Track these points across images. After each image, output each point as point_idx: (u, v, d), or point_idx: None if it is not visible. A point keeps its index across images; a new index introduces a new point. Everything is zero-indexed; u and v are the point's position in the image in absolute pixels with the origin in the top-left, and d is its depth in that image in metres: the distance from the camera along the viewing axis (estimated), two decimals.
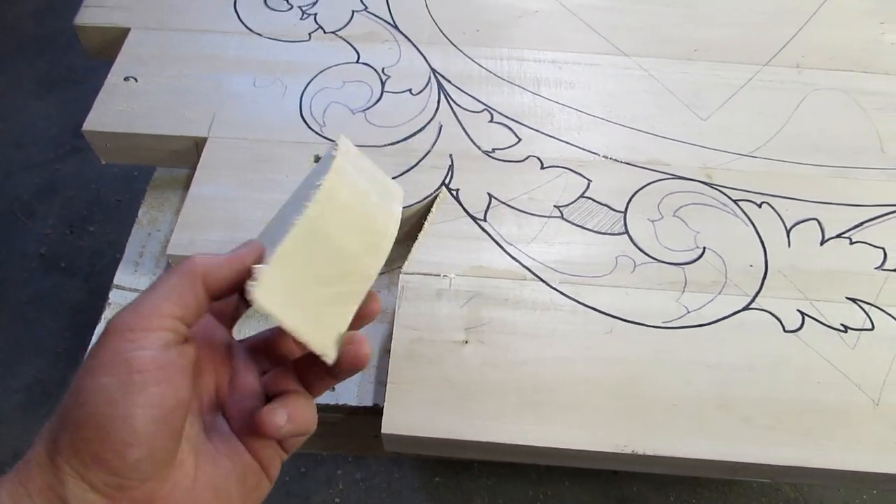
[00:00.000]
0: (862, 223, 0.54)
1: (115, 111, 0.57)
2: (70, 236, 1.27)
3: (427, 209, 0.53)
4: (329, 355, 0.31)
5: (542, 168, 0.56)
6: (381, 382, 0.48)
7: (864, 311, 0.50)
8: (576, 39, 0.65)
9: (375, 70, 0.62)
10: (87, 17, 0.64)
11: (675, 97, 0.61)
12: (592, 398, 0.45)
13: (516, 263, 0.51)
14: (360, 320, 0.34)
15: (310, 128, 0.57)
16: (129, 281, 0.54)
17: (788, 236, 0.53)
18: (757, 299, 0.50)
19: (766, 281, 0.51)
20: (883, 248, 0.53)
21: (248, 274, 0.30)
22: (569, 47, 0.65)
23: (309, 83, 0.60)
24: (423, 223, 0.52)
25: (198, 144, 0.56)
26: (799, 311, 0.49)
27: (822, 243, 0.53)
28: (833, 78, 0.63)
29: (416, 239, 0.51)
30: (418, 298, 0.49)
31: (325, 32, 0.64)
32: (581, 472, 1.05)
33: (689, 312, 0.49)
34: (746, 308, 0.49)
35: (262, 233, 0.35)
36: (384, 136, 0.57)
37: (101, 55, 0.66)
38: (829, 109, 0.61)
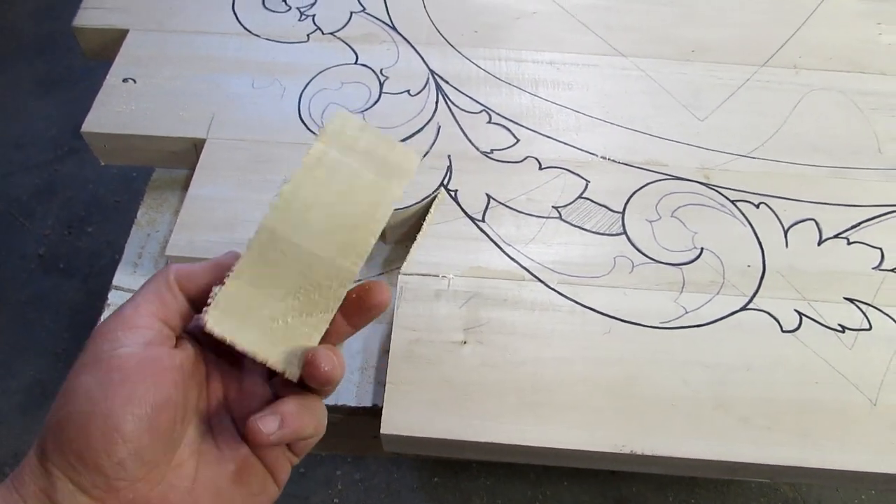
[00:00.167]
0: (859, 223, 0.54)
1: (113, 112, 0.57)
2: (69, 237, 1.26)
3: (425, 210, 0.53)
4: (292, 373, 0.30)
5: (541, 169, 0.56)
6: (379, 383, 0.48)
7: (862, 312, 0.50)
8: (573, 40, 0.66)
9: (374, 71, 0.62)
10: (86, 18, 0.64)
11: (672, 98, 0.62)
12: (591, 398, 0.45)
13: (515, 264, 0.51)
14: (367, 312, 0.32)
15: (308, 129, 0.57)
16: (127, 282, 0.53)
17: (786, 237, 0.53)
18: (755, 299, 0.50)
19: (763, 281, 0.51)
20: (880, 249, 0.53)
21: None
22: (566, 48, 0.65)
23: (307, 84, 0.60)
24: (422, 224, 0.52)
25: (196, 145, 0.57)
26: (796, 311, 0.50)
27: (819, 244, 0.53)
28: (830, 78, 0.63)
29: (415, 240, 0.51)
30: (417, 299, 0.49)
31: (323, 33, 0.64)
32: (579, 472, 1.05)
33: (686, 313, 0.49)
34: (744, 308, 0.50)
35: None
36: None
37: (99, 57, 0.66)
38: (826, 110, 0.61)
